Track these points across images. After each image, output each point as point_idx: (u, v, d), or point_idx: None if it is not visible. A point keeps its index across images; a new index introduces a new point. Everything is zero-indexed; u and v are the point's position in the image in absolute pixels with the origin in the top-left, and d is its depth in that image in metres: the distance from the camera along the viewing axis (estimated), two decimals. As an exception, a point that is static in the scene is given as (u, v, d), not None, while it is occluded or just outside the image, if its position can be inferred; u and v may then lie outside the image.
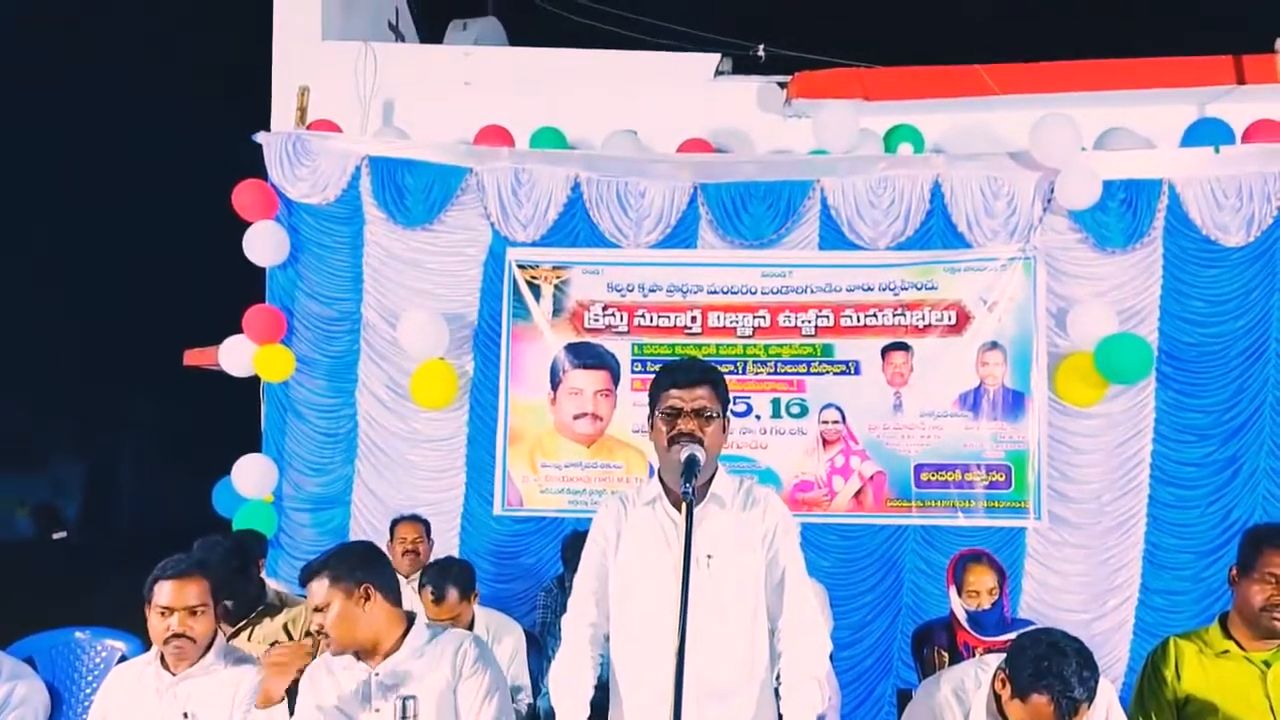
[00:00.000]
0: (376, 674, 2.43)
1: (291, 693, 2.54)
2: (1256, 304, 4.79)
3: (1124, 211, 4.83)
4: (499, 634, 3.79)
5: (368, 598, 2.41)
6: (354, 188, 5.22)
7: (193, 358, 6.04)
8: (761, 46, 5.70)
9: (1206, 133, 4.91)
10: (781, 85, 5.41)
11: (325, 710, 2.45)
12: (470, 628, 3.62)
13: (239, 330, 5.17)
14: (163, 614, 2.58)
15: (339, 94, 5.55)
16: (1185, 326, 4.83)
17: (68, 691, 3.10)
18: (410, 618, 2.52)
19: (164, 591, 2.59)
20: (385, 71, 5.62)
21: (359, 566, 2.44)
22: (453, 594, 3.56)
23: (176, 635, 2.57)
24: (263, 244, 5.17)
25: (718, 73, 5.58)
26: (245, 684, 2.62)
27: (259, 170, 5.30)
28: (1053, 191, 4.82)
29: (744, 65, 5.67)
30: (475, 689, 2.44)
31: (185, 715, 2.58)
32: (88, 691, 3.10)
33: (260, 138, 5.31)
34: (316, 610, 2.41)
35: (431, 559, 4.59)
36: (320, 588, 2.41)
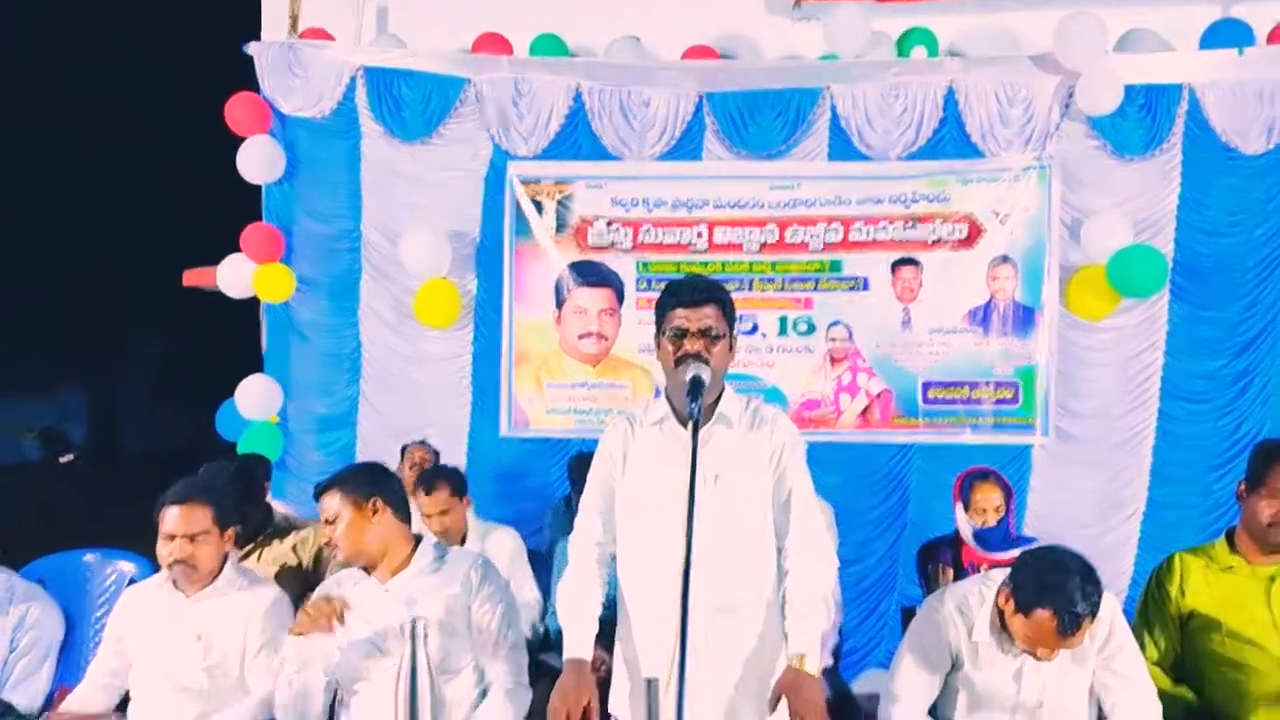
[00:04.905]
0: (387, 590, 2.49)
1: None
2: (1274, 214, 4.68)
3: (1143, 117, 4.68)
4: (489, 536, 3.76)
5: (376, 510, 2.49)
6: (349, 100, 5.08)
7: (192, 278, 5.96)
8: (769, -54, 5.45)
9: (1227, 34, 4.72)
10: (790, -13, 5.19)
11: (358, 646, 2.46)
12: (464, 536, 3.66)
13: (237, 250, 5.09)
14: (167, 539, 2.61)
15: (331, 1, 5.34)
16: (1201, 238, 4.72)
17: (79, 614, 3.13)
18: (418, 538, 2.60)
19: (168, 517, 2.62)
20: (378, -24, 5.41)
21: (369, 481, 2.53)
22: (443, 487, 3.57)
23: (178, 561, 2.60)
24: (257, 160, 5.06)
25: (724, -25, 5.35)
26: (258, 607, 2.66)
27: (251, 83, 5.15)
28: (1071, 97, 4.67)
29: (751, -34, 5.43)
30: (489, 607, 2.52)
31: (199, 637, 2.61)
32: (99, 614, 3.13)
33: (251, 48, 5.14)
34: (327, 523, 2.50)
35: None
36: (331, 501, 2.49)
